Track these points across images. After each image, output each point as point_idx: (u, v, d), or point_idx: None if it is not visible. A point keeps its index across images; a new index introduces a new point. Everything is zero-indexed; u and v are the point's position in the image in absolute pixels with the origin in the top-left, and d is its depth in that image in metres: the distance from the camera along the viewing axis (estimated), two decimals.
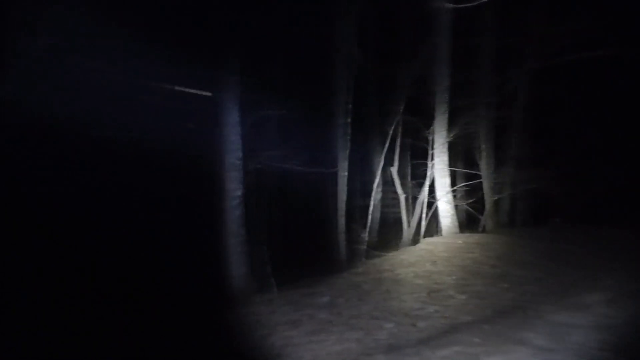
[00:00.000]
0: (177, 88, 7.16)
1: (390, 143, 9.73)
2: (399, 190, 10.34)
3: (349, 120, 9.10)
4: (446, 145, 8.91)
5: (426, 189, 9.65)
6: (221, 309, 6.00)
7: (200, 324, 5.17)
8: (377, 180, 9.80)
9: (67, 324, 4.22)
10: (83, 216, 5.88)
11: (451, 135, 9.08)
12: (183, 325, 5.24)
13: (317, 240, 11.78)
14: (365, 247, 8.78)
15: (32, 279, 4.40)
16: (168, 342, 4.54)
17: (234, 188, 6.62)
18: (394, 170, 10.53)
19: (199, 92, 7.43)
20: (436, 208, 9.19)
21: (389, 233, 11.81)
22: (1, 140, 4.55)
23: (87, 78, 5.90)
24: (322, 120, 11.65)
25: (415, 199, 10.82)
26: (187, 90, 7.43)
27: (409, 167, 14.35)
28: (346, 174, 9.16)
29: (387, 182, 12.97)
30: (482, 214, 9.81)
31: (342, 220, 8.84)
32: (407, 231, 10.03)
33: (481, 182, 9.91)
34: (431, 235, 8.99)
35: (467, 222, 10.74)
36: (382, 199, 12.30)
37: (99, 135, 6.25)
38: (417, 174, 11.63)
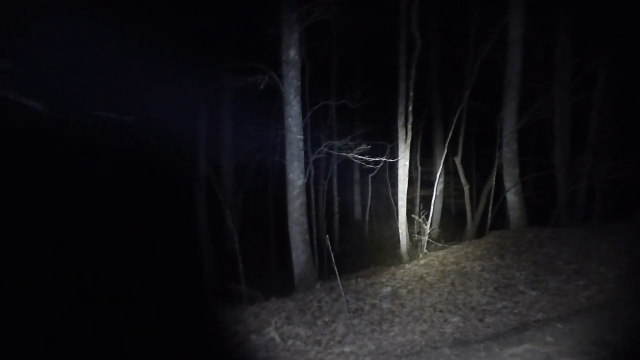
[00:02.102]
0: (243, 79, 7.35)
1: (454, 131, 9.38)
2: (463, 180, 9.97)
3: (411, 108, 8.87)
4: (516, 134, 8.42)
5: (493, 179, 9.21)
6: (284, 294, 6.15)
7: (261, 311, 5.34)
8: (440, 170, 9.49)
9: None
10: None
11: (521, 122, 8.56)
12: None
13: (377, 230, 11.73)
14: (427, 238, 8.55)
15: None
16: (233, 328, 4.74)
17: (296, 177, 6.73)
18: (457, 159, 10.16)
19: (259, 81, 7.61)
20: (504, 200, 8.76)
21: (451, 225, 11.47)
22: None
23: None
24: (383, 109, 11.50)
25: (480, 190, 10.40)
26: (250, 79, 7.63)
27: (474, 157, 13.81)
28: (407, 163, 8.96)
29: (450, 172, 12.58)
30: (554, 206, 9.21)
31: (403, 211, 8.68)
32: (472, 223, 9.67)
33: (554, 173, 9.28)
34: (498, 228, 8.58)
35: (538, 215, 10.15)
36: (445, 189, 11.95)
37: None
38: (482, 163, 11.15)
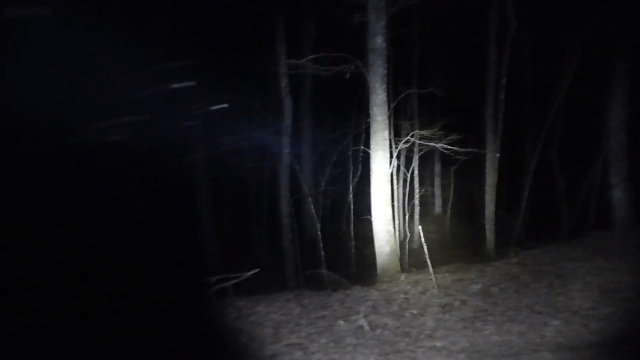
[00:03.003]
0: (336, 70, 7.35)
1: (550, 122, 8.71)
2: (558, 175, 9.25)
3: (503, 97, 8.36)
4: (625, 124, 7.60)
5: (596, 174, 8.43)
6: (366, 284, 6.14)
7: (346, 298, 5.37)
8: (533, 164, 8.87)
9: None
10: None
11: (633, 110, 7.70)
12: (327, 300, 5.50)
13: (462, 225, 11.29)
14: (517, 235, 8.08)
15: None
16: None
17: (380, 167, 6.64)
18: (553, 152, 9.43)
19: (345, 70, 7.60)
20: (608, 197, 7.98)
21: (543, 222, 10.69)
22: None
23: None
24: (466, 98, 10.96)
25: (576, 185, 9.58)
26: (335, 69, 7.65)
27: (570, 149, 12.71)
28: (498, 155, 8.49)
29: (540, 166, 11.69)
30: None
31: (491, 206, 8.25)
32: (567, 221, 8.95)
33: None
34: (599, 228, 7.85)
35: None
36: (537, 184, 11.13)
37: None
38: (579, 156, 10.23)
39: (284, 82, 8.50)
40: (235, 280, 5.67)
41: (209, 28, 9.92)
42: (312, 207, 8.87)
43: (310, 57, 8.25)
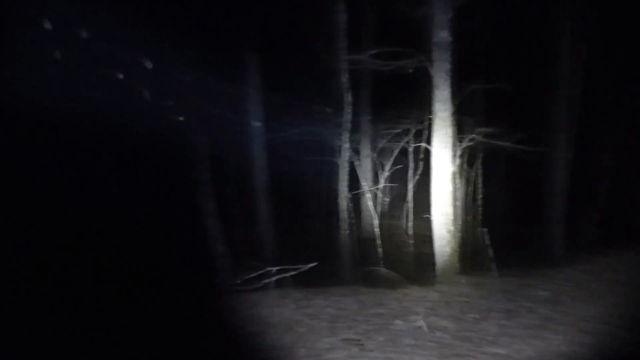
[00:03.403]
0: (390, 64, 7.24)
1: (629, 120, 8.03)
2: (633, 177, 8.52)
3: (578, 91, 7.83)
4: None
5: None
6: (425, 284, 6.03)
7: (404, 297, 5.31)
8: (609, 163, 8.24)
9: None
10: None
11: None
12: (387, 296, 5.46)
13: (527, 226, 10.73)
14: (589, 240, 7.56)
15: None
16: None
17: (442, 165, 6.47)
18: (628, 153, 8.70)
19: (407, 65, 7.46)
20: None
21: (623, 226, 9.90)
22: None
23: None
24: (540, 94, 10.34)
25: None
26: (398, 63, 7.53)
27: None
28: (568, 155, 7.99)
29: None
30: None
31: (560, 208, 7.78)
32: None
33: None
34: None
35: None
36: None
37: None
38: None
39: (344, 78, 8.50)
40: (294, 272, 5.80)
41: (271, 23, 10.14)
42: (370, 203, 8.82)
43: (372, 52, 8.18)
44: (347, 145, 8.52)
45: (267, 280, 5.62)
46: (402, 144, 9.45)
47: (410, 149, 9.47)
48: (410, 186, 9.31)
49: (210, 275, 6.41)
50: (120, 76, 6.10)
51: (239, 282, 5.79)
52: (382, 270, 7.35)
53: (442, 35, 6.54)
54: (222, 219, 6.76)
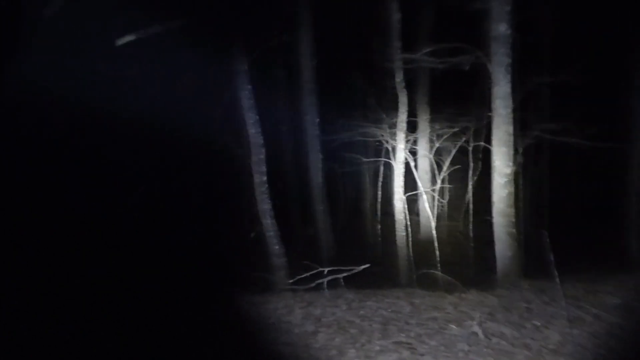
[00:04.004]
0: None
1: None
2: None
3: None
4: None
5: None
6: (484, 288, 5.80)
7: (460, 302, 5.14)
8: None
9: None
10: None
11: None
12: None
13: (599, 228, 9.99)
14: None
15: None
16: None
17: (503, 165, 6.19)
18: None
19: (464, 62, 7.22)
20: None
21: None
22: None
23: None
24: (613, 85, 9.59)
25: None
26: (454, 60, 7.32)
27: None
28: None
29: None
30: None
31: (637, 207, 7.16)
32: None
33: None
34: None
35: None
36: None
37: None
38: None
39: (398, 77, 8.38)
40: (347, 273, 5.83)
41: (325, 23, 10.24)
42: (426, 205, 8.63)
43: (427, 49, 8.01)
44: (402, 146, 8.40)
45: (320, 281, 5.69)
46: (460, 143, 9.15)
47: (469, 148, 9.15)
48: (470, 187, 9.00)
49: (266, 273, 6.61)
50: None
51: (293, 281, 5.93)
52: (439, 273, 7.16)
53: (501, 28, 6.26)
54: (278, 219, 6.92)
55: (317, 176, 9.76)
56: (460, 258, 8.96)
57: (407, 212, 8.20)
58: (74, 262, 4.07)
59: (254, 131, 6.65)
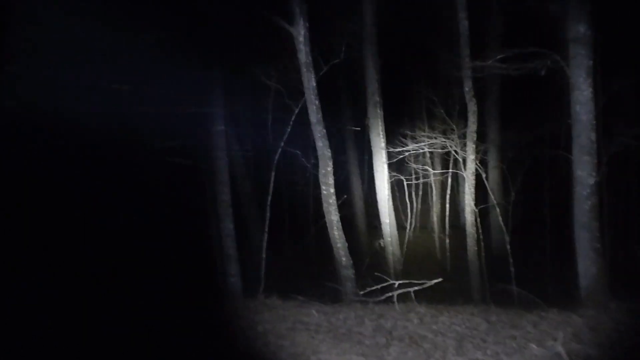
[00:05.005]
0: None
1: None
2: None
3: None
4: None
5: None
6: (566, 307, 5.43)
7: (540, 321, 4.85)
8: None
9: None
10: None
11: None
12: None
13: None
14: None
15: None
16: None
17: (586, 175, 5.80)
18: None
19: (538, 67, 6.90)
20: None
21: None
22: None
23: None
24: None
25: None
26: (528, 65, 7.03)
27: None
28: None
29: None
30: None
31: None
32: None
33: None
34: None
35: None
36: None
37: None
38: None
39: (467, 86, 8.18)
40: (418, 287, 5.72)
41: (390, 35, 10.24)
42: (500, 218, 8.26)
43: (498, 56, 7.76)
44: (472, 157, 8.15)
45: (390, 294, 5.63)
46: (535, 153, 8.70)
47: (546, 158, 8.66)
48: (547, 199, 8.49)
49: (335, 284, 6.66)
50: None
51: (362, 292, 5.92)
52: (515, 289, 6.80)
53: (580, 29, 5.92)
54: (346, 230, 6.97)
55: (383, 189, 9.69)
56: (539, 274, 8.44)
57: (479, 225, 7.90)
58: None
59: (321, 144, 6.78)
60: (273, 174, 8.19)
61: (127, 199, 5.69)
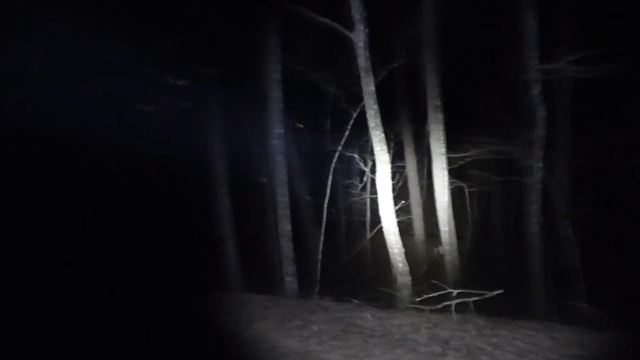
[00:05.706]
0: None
1: None
2: None
3: None
4: None
5: None
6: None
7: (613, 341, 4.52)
8: None
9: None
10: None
11: None
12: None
13: None
14: None
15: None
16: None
17: None
18: None
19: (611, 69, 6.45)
20: None
21: None
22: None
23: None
24: None
25: None
26: (600, 67, 6.60)
27: None
28: None
29: None
30: None
31: None
32: None
33: None
34: None
35: None
36: None
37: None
38: None
39: (536, 90, 7.79)
40: (478, 298, 5.53)
41: (450, 38, 9.97)
42: (569, 230, 7.76)
43: (570, 58, 7.34)
44: (540, 165, 7.74)
45: (447, 303, 5.49)
46: (612, 161, 8.10)
47: (623, 168, 8.03)
48: (623, 211, 7.87)
49: (391, 289, 6.60)
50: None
51: (419, 299, 5.81)
52: (585, 306, 6.36)
53: None
54: (403, 236, 6.89)
55: (442, 195, 9.44)
56: (612, 291, 7.83)
57: (544, 237, 7.48)
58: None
59: (379, 148, 6.77)
60: (330, 177, 8.28)
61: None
